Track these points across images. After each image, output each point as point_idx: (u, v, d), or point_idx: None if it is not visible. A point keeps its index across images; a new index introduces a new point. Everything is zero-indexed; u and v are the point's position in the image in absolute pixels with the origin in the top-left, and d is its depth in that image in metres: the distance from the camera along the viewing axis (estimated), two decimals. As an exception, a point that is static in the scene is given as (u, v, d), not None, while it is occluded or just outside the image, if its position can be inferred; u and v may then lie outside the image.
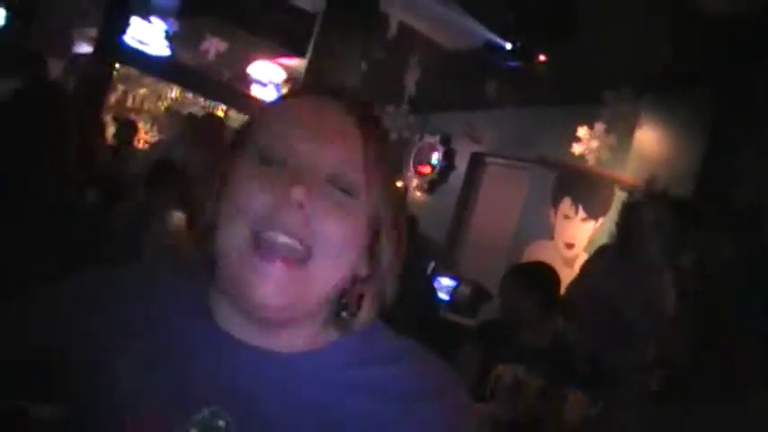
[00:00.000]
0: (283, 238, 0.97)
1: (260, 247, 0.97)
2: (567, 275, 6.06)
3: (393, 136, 9.65)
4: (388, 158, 1.08)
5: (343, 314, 1.09)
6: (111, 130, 8.82)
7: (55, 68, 8.99)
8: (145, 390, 1.03)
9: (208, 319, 1.08)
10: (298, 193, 0.96)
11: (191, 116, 8.78)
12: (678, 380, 3.18)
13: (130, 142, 8.58)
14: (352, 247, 1.03)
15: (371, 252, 1.07)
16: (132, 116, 10.70)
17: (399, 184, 10.46)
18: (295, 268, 0.98)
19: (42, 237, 2.50)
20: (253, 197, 0.98)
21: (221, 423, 1.01)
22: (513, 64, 7.49)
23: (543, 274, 4.04)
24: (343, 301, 1.08)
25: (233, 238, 0.99)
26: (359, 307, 1.09)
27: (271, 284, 0.97)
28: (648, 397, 3.00)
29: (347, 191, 1.02)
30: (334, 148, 1.02)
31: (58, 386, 1.11)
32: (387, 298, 1.10)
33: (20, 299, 1.18)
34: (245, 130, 1.09)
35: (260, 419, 1.01)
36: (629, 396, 3.01)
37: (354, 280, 1.07)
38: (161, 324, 1.09)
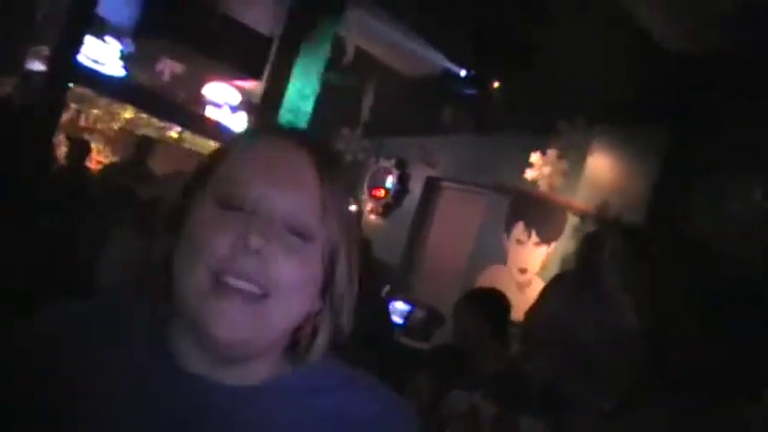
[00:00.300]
0: (241, 283, 1.00)
1: (219, 288, 1.00)
2: (521, 300, 6.11)
3: (348, 158, 9.68)
4: (344, 197, 1.11)
5: (298, 348, 1.12)
6: (63, 149, 8.73)
7: (5, 85, 8.90)
8: (97, 428, 1.04)
9: (165, 353, 1.09)
10: (255, 241, 0.99)
11: (144, 138, 8.76)
12: (630, 402, 3.23)
13: (83, 162, 8.49)
14: (308, 286, 1.07)
15: (325, 286, 1.10)
16: (85, 136, 10.58)
17: (353, 207, 10.45)
18: (252, 307, 1.01)
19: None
20: (212, 242, 1.01)
21: None
22: (469, 91, 7.57)
23: (494, 301, 4.07)
24: (299, 334, 1.11)
25: (191, 277, 1.01)
26: (313, 340, 1.12)
27: (229, 322, 1.00)
28: (601, 419, 3.04)
29: (303, 235, 1.05)
30: (290, 195, 1.05)
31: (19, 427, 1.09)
32: (342, 330, 1.14)
33: None
34: (204, 169, 1.10)
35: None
36: (585, 420, 3.05)
37: (309, 314, 1.10)
38: (120, 360, 1.09)
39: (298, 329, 1.11)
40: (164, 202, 1.08)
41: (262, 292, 1.01)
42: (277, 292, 1.02)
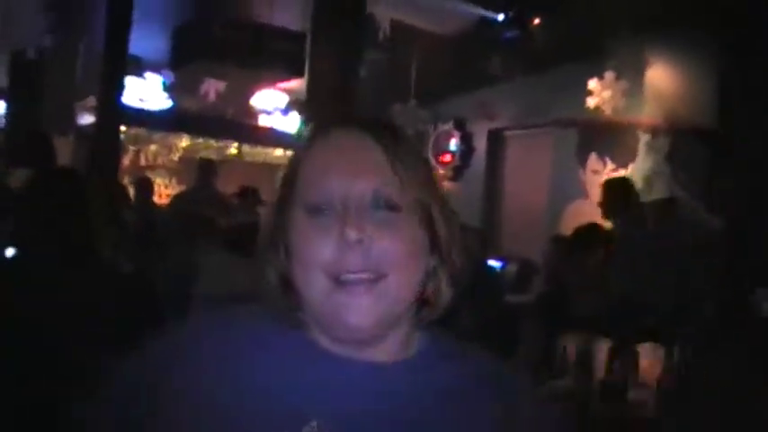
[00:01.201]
0: (358, 275, 1.07)
1: (339, 286, 1.07)
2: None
3: (408, 131, 9.62)
4: (416, 160, 1.16)
5: (426, 308, 1.18)
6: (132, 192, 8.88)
7: (63, 145, 9.06)
8: (250, 414, 1.08)
9: (304, 338, 1.16)
10: (352, 234, 1.06)
11: (202, 161, 8.83)
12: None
13: (149, 199, 8.62)
14: (417, 252, 1.12)
15: (432, 244, 1.15)
16: (148, 173, 10.74)
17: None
18: (375, 291, 1.08)
19: (96, 307, 2.52)
20: (317, 250, 1.09)
21: (306, 429, 1.06)
22: (510, 34, 7.44)
23: (583, 237, 4.00)
24: (423, 295, 1.16)
25: (312, 286, 1.09)
26: (436, 296, 1.18)
27: (358, 311, 1.07)
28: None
29: (393, 208, 1.10)
30: (366, 180, 1.11)
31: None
32: (457, 280, 1.19)
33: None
34: (286, 186, 1.18)
35: (365, 425, 1.07)
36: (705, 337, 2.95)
37: (426, 275, 1.16)
38: (259, 351, 1.15)
39: (420, 291, 1.16)
40: (261, 227, 1.12)
41: (378, 275, 1.08)
42: (392, 269, 1.08)
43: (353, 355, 1.13)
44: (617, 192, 5.22)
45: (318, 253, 1.08)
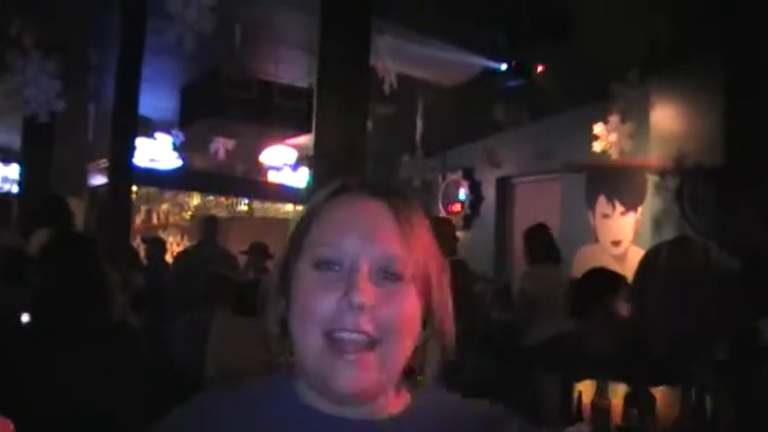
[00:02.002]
0: (353, 335, 1.10)
1: (333, 344, 1.11)
2: (622, 272, 5.97)
3: (416, 183, 9.66)
4: (424, 231, 1.21)
5: (412, 375, 1.22)
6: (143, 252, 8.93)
7: (75, 206, 9.12)
8: None
9: (296, 401, 1.19)
10: (358, 299, 1.09)
11: (205, 218, 8.88)
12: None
13: (162, 259, 8.67)
14: (413, 321, 1.16)
15: (425, 316, 1.19)
16: (159, 233, 10.81)
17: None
18: (367, 356, 1.11)
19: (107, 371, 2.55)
20: (318, 305, 1.12)
21: None
22: (513, 83, 7.50)
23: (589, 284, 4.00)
24: (410, 363, 1.19)
25: (306, 339, 1.12)
26: (423, 365, 1.22)
27: (348, 375, 1.10)
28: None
29: (397, 277, 1.14)
30: (377, 247, 1.15)
31: None
32: (447, 353, 1.23)
33: None
34: (297, 236, 1.22)
35: None
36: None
37: (417, 344, 1.19)
38: (257, 422, 1.20)
39: (410, 360, 1.19)
40: (268, 277, 1.15)
41: (371, 340, 1.11)
42: (387, 335, 1.12)
43: (344, 413, 1.16)
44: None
45: (319, 307, 1.11)
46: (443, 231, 7.10)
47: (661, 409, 3.20)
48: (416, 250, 1.17)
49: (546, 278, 6.07)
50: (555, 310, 5.29)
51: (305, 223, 1.22)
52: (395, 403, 1.20)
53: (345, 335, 1.10)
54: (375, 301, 1.11)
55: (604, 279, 4.02)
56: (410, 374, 1.21)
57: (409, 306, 1.15)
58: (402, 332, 1.14)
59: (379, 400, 1.17)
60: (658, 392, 3.30)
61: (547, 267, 6.22)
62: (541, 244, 6.44)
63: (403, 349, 1.15)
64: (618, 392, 3.37)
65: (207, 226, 8.21)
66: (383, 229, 1.16)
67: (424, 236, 1.20)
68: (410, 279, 1.15)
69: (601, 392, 3.37)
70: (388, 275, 1.14)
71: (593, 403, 3.33)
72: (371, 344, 1.11)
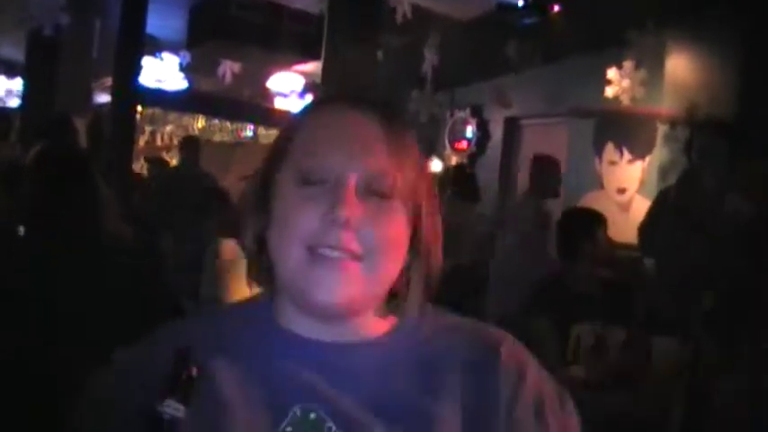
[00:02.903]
0: (336, 253, 1.06)
1: (315, 259, 1.06)
2: (624, 221, 5.94)
3: (423, 117, 9.57)
4: (415, 151, 1.16)
5: (395, 301, 1.16)
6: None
7: (78, 125, 9.03)
8: (233, 411, 1.07)
9: (273, 325, 1.15)
10: (342, 213, 1.04)
11: (185, 138, 8.80)
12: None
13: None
14: (399, 243, 1.12)
15: (413, 240, 1.14)
16: (163, 154, 10.74)
17: (436, 163, 10.39)
18: (351, 271, 1.06)
19: (96, 283, 2.52)
20: (301, 219, 1.07)
21: (313, 416, 1.07)
22: (529, 21, 7.37)
23: (571, 220, 4.00)
24: (394, 288, 1.15)
25: (288, 253, 1.08)
26: (407, 292, 1.16)
27: (328, 287, 1.06)
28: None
29: (385, 195, 1.09)
30: (365, 161, 1.09)
31: None
32: (432, 280, 1.17)
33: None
34: (280, 149, 1.16)
35: (346, 408, 1.07)
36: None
37: (402, 268, 1.15)
38: (235, 348, 1.14)
39: (392, 283, 1.14)
40: (245, 192, 1.09)
41: (356, 257, 1.06)
42: (370, 254, 1.07)
43: (321, 335, 1.12)
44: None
45: (302, 223, 1.07)
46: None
47: (658, 357, 3.20)
48: (406, 167, 1.12)
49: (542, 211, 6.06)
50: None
51: (288, 134, 1.16)
52: (377, 326, 1.16)
53: (328, 251, 1.05)
54: (361, 216, 1.06)
55: (586, 218, 4.02)
56: (394, 299, 1.16)
57: (396, 224, 1.10)
58: (388, 250, 1.09)
59: (360, 320, 1.13)
60: (656, 340, 3.30)
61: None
62: (547, 175, 6.41)
63: (388, 267, 1.10)
64: (615, 338, 3.37)
65: (186, 146, 8.13)
66: (372, 143, 1.11)
67: (414, 154, 1.15)
68: (398, 196, 1.10)
69: (598, 337, 3.37)
70: (375, 191, 1.09)
71: (590, 347, 3.33)
72: (356, 258, 1.06)
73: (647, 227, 4.81)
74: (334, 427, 1.05)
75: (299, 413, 1.07)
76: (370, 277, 1.08)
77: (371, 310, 1.15)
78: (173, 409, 1.03)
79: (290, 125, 1.19)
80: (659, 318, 3.41)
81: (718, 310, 2.99)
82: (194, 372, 1.03)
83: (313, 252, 1.06)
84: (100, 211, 2.69)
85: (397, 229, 1.10)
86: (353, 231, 1.06)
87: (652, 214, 4.88)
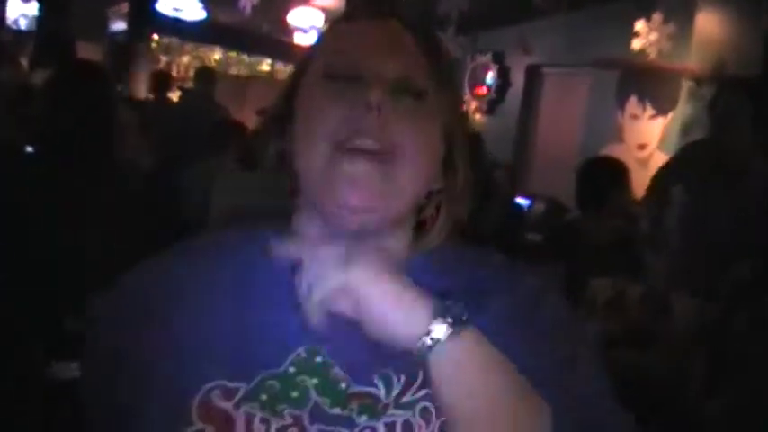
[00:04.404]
0: (366, 143, 0.99)
1: (343, 155, 0.99)
2: (642, 176, 5.83)
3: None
4: (452, 69, 1.13)
5: (422, 231, 1.12)
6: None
7: (93, 52, 8.93)
8: (232, 351, 1.01)
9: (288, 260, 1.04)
10: (375, 97, 0.98)
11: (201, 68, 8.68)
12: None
13: (165, 92, 8.49)
14: (430, 151, 1.06)
15: (445, 166, 1.10)
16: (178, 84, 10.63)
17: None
18: (379, 168, 1.00)
19: (111, 207, 2.47)
20: (328, 112, 1.01)
21: (319, 359, 1.00)
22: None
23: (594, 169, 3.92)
24: (422, 215, 1.11)
25: (312, 152, 1.01)
26: (436, 222, 1.12)
27: (357, 185, 0.99)
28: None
29: (415, 94, 1.03)
30: (397, 57, 1.04)
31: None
32: (462, 212, 1.13)
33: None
34: (306, 57, 1.11)
35: (357, 346, 0.99)
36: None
37: (431, 193, 1.10)
38: (240, 280, 1.08)
39: (420, 210, 1.11)
40: (269, 108, 1.03)
41: (386, 153, 1.00)
42: (401, 152, 1.01)
43: None
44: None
45: (329, 117, 1.00)
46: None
47: (679, 315, 3.14)
48: (442, 77, 1.07)
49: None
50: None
51: (315, 44, 1.13)
52: (396, 252, 1.07)
53: (358, 142, 0.99)
54: (392, 110, 1.00)
55: (612, 168, 3.93)
56: (419, 229, 1.12)
57: (429, 127, 1.05)
58: (419, 153, 1.03)
59: (382, 244, 1.05)
60: (678, 298, 3.24)
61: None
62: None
63: (417, 173, 1.03)
64: (633, 293, 3.30)
65: (203, 77, 8.04)
66: (408, 47, 1.06)
67: (450, 69, 1.12)
68: (433, 100, 1.05)
69: (617, 292, 3.31)
70: (409, 89, 1.03)
71: (607, 302, 3.27)
72: (386, 156, 1.00)
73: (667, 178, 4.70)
74: (341, 372, 1.00)
75: (303, 354, 1.00)
76: (400, 181, 1.01)
77: (396, 236, 1.09)
78: (64, 369, 0.97)
79: (320, 34, 1.15)
80: (681, 276, 3.34)
81: (753, 281, 2.91)
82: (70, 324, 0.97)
83: (340, 148, 0.99)
84: (118, 131, 2.62)
85: (429, 131, 1.05)
86: (384, 123, 0.99)
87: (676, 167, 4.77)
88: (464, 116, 1.15)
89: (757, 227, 3.71)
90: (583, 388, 1.04)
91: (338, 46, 1.06)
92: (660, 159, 7.30)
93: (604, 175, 3.86)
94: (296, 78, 1.11)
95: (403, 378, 0.99)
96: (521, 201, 7.80)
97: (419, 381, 0.99)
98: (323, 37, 1.13)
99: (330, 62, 1.04)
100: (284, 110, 1.10)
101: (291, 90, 1.10)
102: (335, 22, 1.15)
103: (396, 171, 1.01)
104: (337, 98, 1.01)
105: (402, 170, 1.01)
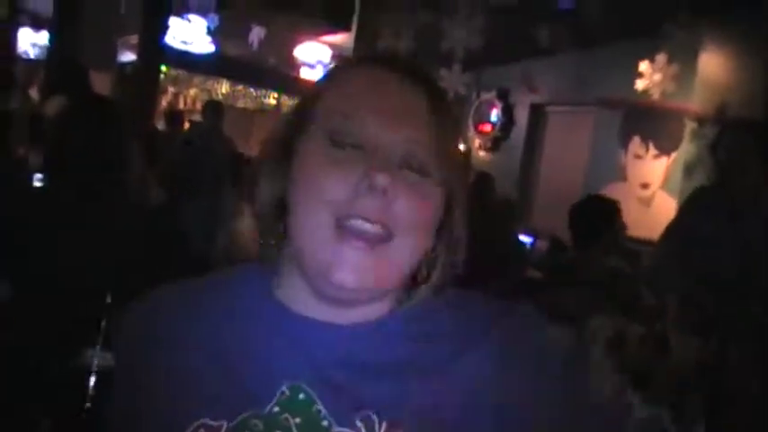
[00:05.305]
0: (366, 225, 0.97)
1: (342, 232, 0.97)
2: (644, 215, 5.87)
3: (449, 95, 9.50)
4: (456, 129, 1.08)
5: (414, 287, 1.08)
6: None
7: (102, 81, 9.00)
8: (220, 388, 1.02)
9: (275, 303, 1.07)
10: (382, 179, 0.95)
11: (210, 102, 8.75)
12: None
13: (177, 126, 8.56)
14: (429, 224, 1.03)
15: (441, 225, 1.06)
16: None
17: (461, 146, 10.31)
18: (377, 251, 0.98)
19: (116, 238, 2.49)
20: (332, 183, 0.97)
21: (302, 396, 1.00)
22: (564, 5, 7.27)
23: (587, 209, 3.95)
24: (415, 274, 1.07)
25: (312, 221, 0.98)
26: (428, 279, 1.08)
27: (354, 268, 0.97)
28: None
29: (421, 171, 1.00)
30: (406, 129, 1.00)
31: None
32: (456, 268, 1.09)
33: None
34: (311, 102, 1.06)
35: (340, 388, 1.00)
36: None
37: (426, 253, 1.06)
38: (229, 320, 1.08)
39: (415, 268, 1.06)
40: (262, 151, 1.00)
41: (386, 233, 0.98)
42: (401, 231, 0.98)
43: (324, 317, 1.04)
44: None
45: (332, 188, 0.97)
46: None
47: (675, 354, 3.14)
48: (448, 142, 1.04)
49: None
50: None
51: (316, 93, 1.06)
52: (383, 311, 1.07)
53: (359, 223, 0.96)
54: (396, 189, 0.97)
55: (605, 206, 3.97)
56: (412, 286, 1.08)
57: (431, 205, 1.02)
58: (419, 230, 1.01)
59: (372, 306, 1.05)
60: (673, 337, 3.25)
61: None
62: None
63: (414, 249, 1.01)
64: (633, 333, 3.31)
65: (211, 110, 8.09)
66: (416, 110, 1.02)
67: (456, 129, 1.07)
68: (435, 180, 1.01)
69: (616, 331, 3.32)
70: (413, 165, 1.00)
71: (607, 340, 3.28)
72: (385, 237, 0.97)
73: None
74: (323, 411, 0.99)
75: (287, 392, 1.00)
76: (396, 259, 1.00)
77: (388, 297, 1.07)
78: (99, 358, 0.99)
79: (316, 87, 1.09)
80: (681, 315, 3.35)
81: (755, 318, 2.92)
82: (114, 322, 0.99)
83: (341, 225, 0.97)
84: (127, 163, 2.64)
85: (430, 208, 1.02)
86: (389, 203, 0.97)
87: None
88: (466, 171, 1.13)
89: (762, 266, 3.72)
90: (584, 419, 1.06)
91: (345, 108, 1.01)
92: (663, 199, 7.34)
93: (596, 213, 3.91)
94: (297, 123, 1.06)
95: (385, 424, 0.98)
96: (523, 238, 7.81)
97: (402, 429, 0.98)
98: (325, 90, 1.07)
99: (337, 126, 1.00)
100: (281, 154, 1.06)
101: (292, 134, 1.06)
102: (342, 66, 1.11)
103: (393, 250, 0.99)
104: (344, 168, 0.98)
105: (399, 248, 0.99)
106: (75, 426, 1.10)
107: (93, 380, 1.03)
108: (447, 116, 1.04)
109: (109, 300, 1.09)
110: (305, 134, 1.03)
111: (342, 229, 0.97)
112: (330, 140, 1.00)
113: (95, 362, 1.00)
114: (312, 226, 0.98)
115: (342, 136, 0.99)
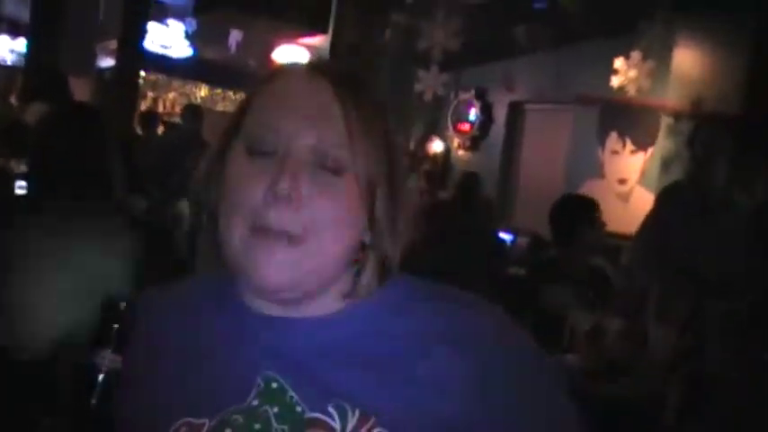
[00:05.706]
0: (277, 228, 1.00)
1: (255, 239, 1.01)
2: (623, 211, 5.94)
3: (428, 96, 9.52)
4: (378, 125, 1.08)
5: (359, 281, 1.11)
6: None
7: (81, 87, 8.97)
8: (192, 392, 1.07)
9: (238, 304, 1.12)
10: (283, 187, 0.98)
11: (189, 106, 8.77)
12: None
13: (152, 129, 8.57)
14: (348, 221, 1.05)
15: (371, 220, 1.08)
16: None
17: (437, 144, 10.39)
18: (292, 251, 1.01)
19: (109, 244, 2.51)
20: (245, 193, 1.02)
21: (275, 385, 1.04)
22: (540, 5, 7.33)
23: (564, 206, 4.03)
24: (356, 268, 1.10)
25: (232, 232, 1.03)
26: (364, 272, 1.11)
27: (269, 267, 1.01)
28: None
29: (333, 170, 1.03)
30: (315, 131, 1.03)
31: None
32: (391, 261, 1.11)
33: None
34: (235, 118, 1.11)
35: (309, 376, 1.04)
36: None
37: (362, 247, 1.09)
38: (204, 320, 1.15)
39: (348, 260, 1.09)
40: (200, 166, 1.04)
41: (298, 236, 1.01)
42: (314, 232, 1.02)
43: (283, 313, 1.08)
44: None
45: (246, 198, 1.01)
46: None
47: (653, 347, 3.20)
48: (365, 141, 1.04)
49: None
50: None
51: (244, 104, 1.10)
52: (332, 303, 1.09)
53: (271, 227, 1.00)
54: (306, 192, 1.00)
55: (583, 205, 4.04)
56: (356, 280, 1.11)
57: (346, 203, 1.03)
58: (334, 231, 1.03)
59: (319, 301, 1.08)
60: (652, 330, 3.31)
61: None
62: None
63: (334, 249, 1.04)
64: (612, 326, 3.37)
65: (190, 114, 8.10)
66: (326, 112, 1.04)
67: (377, 127, 1.07)
68: (352, 174, 1.03)
69: (594, 325, 3.38)
70: (325, 165, 1.02)
71: (585, 335, 3.33)
72: (298, 239, 1.00)
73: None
74: (295, 397, 1.03)
75: (262, 384, 1.04)
76: (313, 258, 1.03)
77: (333, 290, 1.09)
78: (109, 360, 1.04)
79: (240, 104, 1.13)
80: (658, 308, 3.41)
81: (734, 312, 2.97)
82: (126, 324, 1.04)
83: (254, 231, 1.01)
84: (111, 173, 2.65)
85: (344, 207, 1.03)
86: (297, 209, 1.00)
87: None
88: (394, 163, 1.10)
89: (738, 261, 3.77)
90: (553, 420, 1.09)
91: (262, 117, 1.06)
92: (641, 194, 7.41)
93: (573, 211, 3.97)
94: (225, 140, 1.10)
95: (357, 412, 1.00)
96: (504, 235, 7.87)
97: (374, 419, 1.00)
98: (252, 98, 1.10)
99: (252, 137, 1.05)
100: (215, 172, 1.09)
101: (221, 152, 1.10)
102: (266, 81, 1.12)
103: (307, 250, 1.02)
104: (255, 177, 1.02)
105: (314, 248, 1.02)
106: (74, 426, 1.13)
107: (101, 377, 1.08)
108: (364, 114, 1.05)
109: (123, 306, 1.13)
110: (231, 150, 1.07)
111: (254, 234, 1.01)
112: (249, 149, 1.04)
113: (106, 362, 1.04)
114: (232, 234, 1.03)
115: (258, 145, 1.03)
